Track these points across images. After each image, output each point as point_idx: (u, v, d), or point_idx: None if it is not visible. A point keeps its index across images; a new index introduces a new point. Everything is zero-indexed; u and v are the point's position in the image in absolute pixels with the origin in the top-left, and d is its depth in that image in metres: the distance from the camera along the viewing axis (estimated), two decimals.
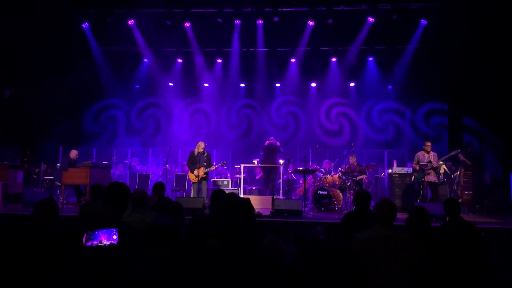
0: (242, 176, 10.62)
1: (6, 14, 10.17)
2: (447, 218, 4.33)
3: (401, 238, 3.11)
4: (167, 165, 10.02)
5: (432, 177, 8.56)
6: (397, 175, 9.78)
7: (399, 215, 3.92)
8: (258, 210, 7.58)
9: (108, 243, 2.41)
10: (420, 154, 8.78)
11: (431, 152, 8.68)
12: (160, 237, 2.16)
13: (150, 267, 2.01)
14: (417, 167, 8.67)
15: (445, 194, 9.56)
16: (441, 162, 8.67)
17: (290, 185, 10.40)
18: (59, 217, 3.14)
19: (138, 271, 1.68)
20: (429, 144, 8.77)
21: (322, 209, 8.99)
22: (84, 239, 2.38)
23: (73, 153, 9.54)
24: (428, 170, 8.53)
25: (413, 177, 9.03)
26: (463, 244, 3.83)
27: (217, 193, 4.51)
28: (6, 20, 10.45)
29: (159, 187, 5.66)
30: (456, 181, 9.82)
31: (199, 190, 9.18)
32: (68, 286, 1.53)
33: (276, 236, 4.12)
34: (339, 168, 10.08)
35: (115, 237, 2.45)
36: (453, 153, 8.77)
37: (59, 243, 2.66)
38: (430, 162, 8.54)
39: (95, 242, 2.39)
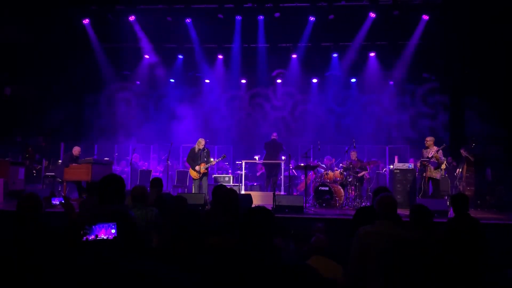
0: (243, 172, 10.61)
1: (7, 12, 10.15)
2: (449, 213, 4.30)
3: (403, 234, 3.09)
4: (169, 161, 10.04)
5: (434, 173, 8.51)
6: (398, 171, 9.71)
7: (401, 211, 3.90)
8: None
9: (105, 237, 2.40)
10: (424, 150, 8.75)
11: (434, 147, 8.62)
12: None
13: (151, 262, 2.01)
14: (418, 164, 8.66)
15: (446, 189, 9.53)
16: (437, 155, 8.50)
17: (291, 181, 10.40)
18: (61, 214, 3.14)
19: (137, 266, 1.67)
20: (428, 139, 8.71)
21: (324, 205, 8.98)
22: (82, 233, 2.38)
23: (76, 150, 9.55)
24: (428, 165, 8.49)
25: (416, 173, 9.02)
26: (469, 241, 3.80)
27: (218, 189, 4.52)
28: (7, 17, 10.44)
29: (157, 183, 5.65)
30: (458, 177, 9.79)
31: (200, 187, 9.19)
32: (63, 281, 1.52)
33: (275, 234, 4.12)
34: (341, 164, 10.06)
35: (113, 231, 2.44)
36: (442, 147, 8.63)
37: (54, 237, 2.65)
38: (430, 158, 8.50)
39: (91, 237, 2.38)
